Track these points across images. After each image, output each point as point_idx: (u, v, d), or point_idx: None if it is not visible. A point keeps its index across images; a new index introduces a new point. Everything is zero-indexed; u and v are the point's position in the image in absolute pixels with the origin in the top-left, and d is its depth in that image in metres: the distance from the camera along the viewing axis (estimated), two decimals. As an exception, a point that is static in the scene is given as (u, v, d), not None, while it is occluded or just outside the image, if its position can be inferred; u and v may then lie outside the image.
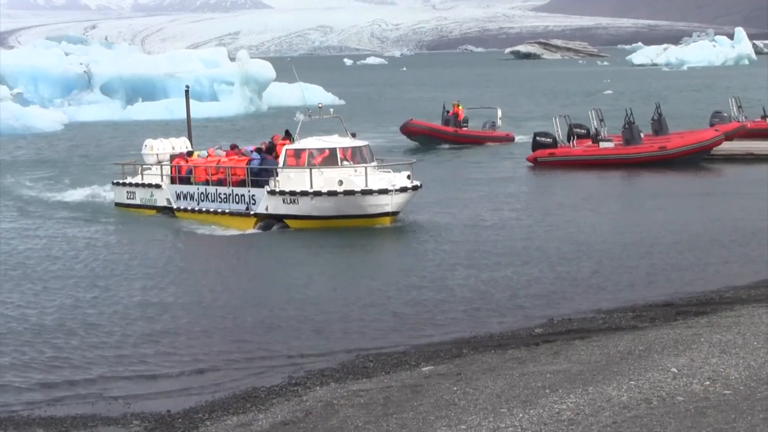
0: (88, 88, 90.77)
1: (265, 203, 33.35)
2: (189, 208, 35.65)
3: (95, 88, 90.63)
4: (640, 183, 43.29)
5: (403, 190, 32.25)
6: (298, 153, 33.10)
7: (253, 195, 33.69)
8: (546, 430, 12.94)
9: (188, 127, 41.54)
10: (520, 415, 13.59)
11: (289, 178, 32.87)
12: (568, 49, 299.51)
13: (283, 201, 32.91)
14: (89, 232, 33.51)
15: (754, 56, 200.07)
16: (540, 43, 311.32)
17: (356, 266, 28.12)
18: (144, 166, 37.78)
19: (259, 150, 34.82)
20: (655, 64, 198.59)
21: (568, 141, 49.47)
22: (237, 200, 34.20)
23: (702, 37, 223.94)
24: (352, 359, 18.61)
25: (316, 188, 32.27)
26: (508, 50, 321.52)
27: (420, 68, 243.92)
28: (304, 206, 32.60)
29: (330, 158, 32.80)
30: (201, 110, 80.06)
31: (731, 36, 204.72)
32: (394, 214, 32.40)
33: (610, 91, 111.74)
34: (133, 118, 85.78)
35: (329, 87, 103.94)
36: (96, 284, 25.61)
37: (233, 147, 36.82)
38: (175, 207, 36.13)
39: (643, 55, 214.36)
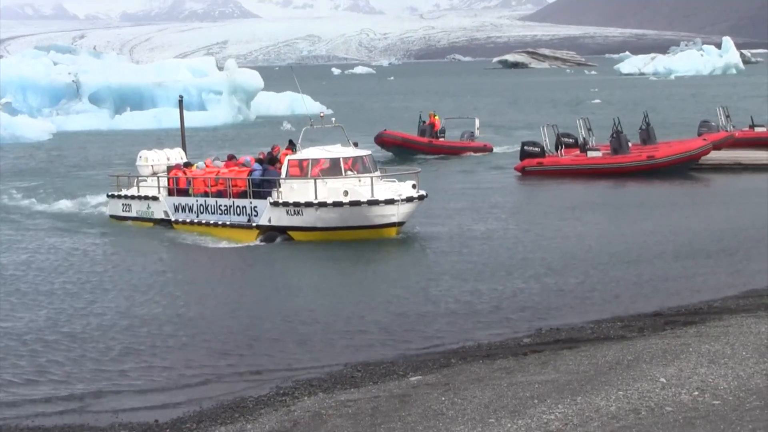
0: (76, 98, 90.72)
1: (268, 215, 32.83)
2: (188, 220, 35.13)
3: (84, 98, 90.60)
4: (629, 192, 43.31)
5: (410, 200, 31.85)
6: (301, 163, 32.66)
7: (255, 206, 33.16)
8: (535, 441, 12.93)
9: (182, 138, 41.16)
10: (509, 425, 13.57)
11: (293, 189, 32.34)
12: (556, 59, 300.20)
13: (287, 212, 32.39)
14: (84, 244, 33.15)
15: (741, 65, 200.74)
16: (528, 53, 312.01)
17: (344, 277, 28.05)
18: (139, 178, 37.27)
19: (260, 161, 34.37)
20: (642, 74, 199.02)
21: (556, 150, 49.52)
22: (238, 212, 33.70)
23: (689, 47, 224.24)
24: (340, 369, 18.58)
25: (320, 199, 31.76)
26: (495, 59, 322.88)
27: (407, 77, 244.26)
28: (308, 217, 32.06)
29: (333, 168, 32.42)
30: (189, 120, 79.02)
31: (719, 45, 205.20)
32: (400, 224, 32.02)
33: (598, 101, 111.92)
34: (121, 128, 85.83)
35: (317, 96, 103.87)
36: (84, 296, 25.52)
37: (230, 157, 36.10)
38: (173, 219, 35.59)
39: (631, 64, 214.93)
